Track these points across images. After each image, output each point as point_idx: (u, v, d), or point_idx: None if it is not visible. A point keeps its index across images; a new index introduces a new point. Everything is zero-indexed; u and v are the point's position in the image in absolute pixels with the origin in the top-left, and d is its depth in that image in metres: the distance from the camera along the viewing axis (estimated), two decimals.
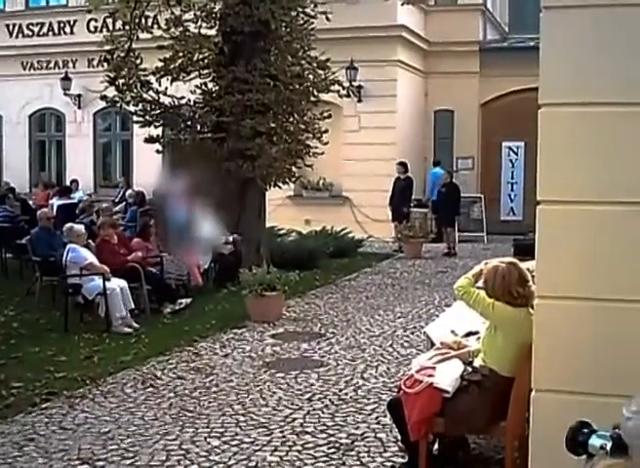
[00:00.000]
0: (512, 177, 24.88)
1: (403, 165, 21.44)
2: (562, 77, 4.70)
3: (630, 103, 4.54)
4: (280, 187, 16.69)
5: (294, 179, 17.14)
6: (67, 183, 24.31)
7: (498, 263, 6.07)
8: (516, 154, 24.61)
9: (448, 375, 5.95)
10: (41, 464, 6.60)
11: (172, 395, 8.52)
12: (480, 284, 6.14)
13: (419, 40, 25.00)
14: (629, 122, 4.58)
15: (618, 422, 3.00)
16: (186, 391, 8.66)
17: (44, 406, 8.13)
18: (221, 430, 7.40)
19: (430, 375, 5.96)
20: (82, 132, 27.31)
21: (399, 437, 6.62)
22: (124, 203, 20.36)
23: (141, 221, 15.01)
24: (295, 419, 7.70)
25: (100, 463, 6.61)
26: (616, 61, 4.57)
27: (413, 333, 11.40)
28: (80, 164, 26.66)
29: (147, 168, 23.12)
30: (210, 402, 8.27)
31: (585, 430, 3.14)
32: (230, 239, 14.93)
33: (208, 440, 7.14)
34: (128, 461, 6.65)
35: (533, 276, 5.62)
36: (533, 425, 4.99)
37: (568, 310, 4.78)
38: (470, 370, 6.03)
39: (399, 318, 12.60)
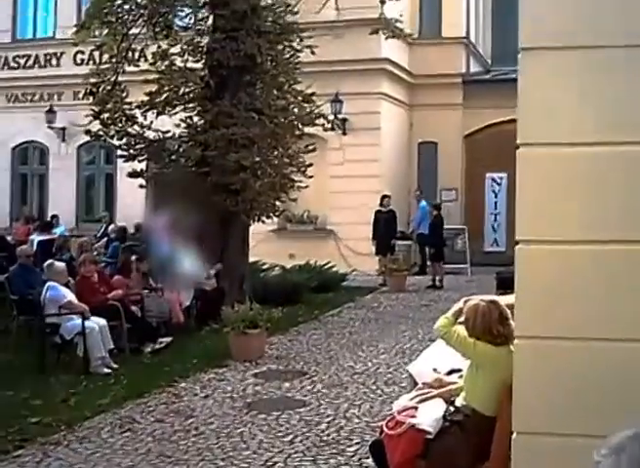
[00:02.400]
0: (496, 208, 24.90)
1: (387, 197, 21.40)
2: (539, 118, 4.70)
3: (607, 143, 4.57)
4: (264, 222, 16.58)
5: (277, 214, 17.04)
6: (49, 217, 24.13)
7: (478, 302, 6.01)
8: (499, 185, 24.63)
9: (430, 416, 5.88)
10: None
11: (150, 439, 8.34)
12: (461, 320, 6.05)
13: (403, 73, 25.12)
14: (606, 163, 4.61)
15: None
16: (165, 435, 8.48)
17: (16, 453, 7.91)
18: None
19: (412, 416, 5.90)
20: (65, 165, 27.12)
21: None
22: (106, 238, 20.19)
23: (122, 258, 14.84)
24: (275, 463, 7.56)
25: None
26: (593, 104, 4.60)
27: (396, 370, 11.27)
28: (63, 198, 26.48)
29: (131, 202, 23.12)
30: (189, 446, 8.11)
31: None
32: (212, 272, 14.80)
33: None
34: None
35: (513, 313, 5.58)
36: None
37: (547, 351, 4.76)
38: (452, 409, 5.97)
39: (382, 354, 12.47)
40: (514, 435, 4.85)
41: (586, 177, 4.61)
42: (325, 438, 8.31)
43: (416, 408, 5.98)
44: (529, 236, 4.72)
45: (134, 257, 14.36)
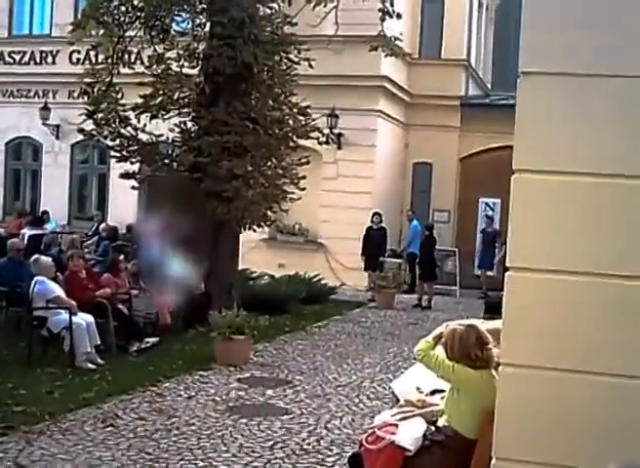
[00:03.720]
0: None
1: (378, 215, 21.46)
2: (536, 144, 4.64)
3: (603, 175, 4.51)
4: (254, 231, 16.60)
5: (269, 223, 17.07)
6: (40, 213, 24.13)
7: (456, 326, 6.03)
8: (492, 210, 24.63)
9: (410, 434, 5.87)
10: None
11: (131, 436, 8.38)
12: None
13: (401, 92, 25.10)
14: (602, 194, 4.54)
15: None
16: (147, 432, 8.51)
17: (0, 440, 7.96)
18: None
19: (393, 433, 5.88)
20: (59, 162, 27.15)
21: None
22: (97, 237, 20.20)
23: (112, 257, 14.85)
24: None
25: None
26: (592, 131, 4.54)
27: (380, 385, 11.31)
28: (55, 194, 26.49)
29: (123, 203, 23.13)
30: (169, 445, 8.14)
31: None
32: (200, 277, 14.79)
33: None
34: None
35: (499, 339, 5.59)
36: None
37: (531, 379, 4.71)
38: (433, 429, 5.96)
39: (367, 368, 12.50)
40: (493, 460, 4.83)
41: (581, 207, 4.57)
42: (305, 446, 8.35)
43: (396, 425, 5.98)
44: (520, 263, 4.67)
45: (122, 257, 14.38)
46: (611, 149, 4.51)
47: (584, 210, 4.58)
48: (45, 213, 23.62)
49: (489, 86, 29.01)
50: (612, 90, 4.53)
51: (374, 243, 21.09)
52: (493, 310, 15.67)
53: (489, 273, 23.04)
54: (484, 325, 6.14)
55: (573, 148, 4.57)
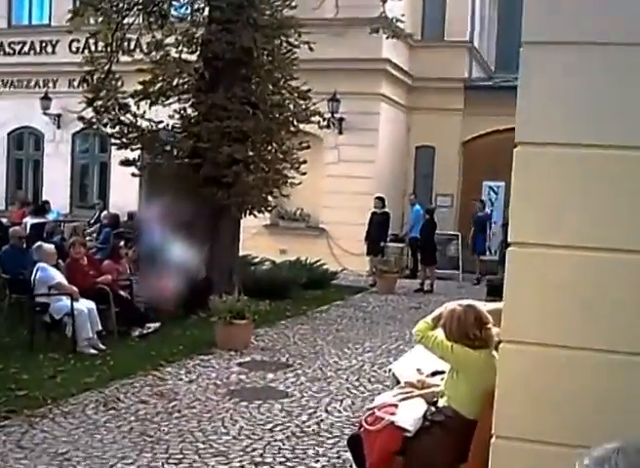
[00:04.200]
0: (491, 217, 24.82)
1: (381, 199, 21.43)
2: (541, 115, 4.55)
3: (609, 146, 4.43)
4: (255, 216, 16.61)
5: (269, 209, 17.07)
6: (41, 203, 24.15)
7: (455, 306, 6.00)
8: (496, 194, 24.52)
9: (410, 414, 5.87)
10: None
11: (133, 419, 8.45)
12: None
13: (403, 75, 24.93)
14: (607, 165, 4.47)
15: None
16: (148, 416, 8.58)
17: (3, 423, 8.05)
18: (180, 457, 7.34)
19: (392, 413, 5.87)
20: (60, 152, 27.18)
21: None
22: (98, 224, 20.26)
23: (113, 243, 14.90)
24: (255, 450, 7.65)
25: None
26: (598, 101, 4.48)
27: (380, 369, 11.31)
28: (57, 184, 26.52)
29: (124, 190, 23.15)
30: (170, 428, 8.20)
31: None
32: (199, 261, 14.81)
33: (165, 466, 7.10)
34: None
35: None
36: None
37: (532, 356, 4.66)
38: (433, 409, 5.96)
39: (368, 352, 12.54)
40: (493, 439, 4.81)
41: (585, 180, 4.48)
42: (305, 429, 8.39)
43: (396, 405, 5.98)
44: (521, 238, 4.60)
45: (123, 244, 14.44)
46: (617, 119, 4.43)
47: (588, 182, 4.49)
48: (46, 202, 23.61)
49: (492, 68, 28.75)
50: (617, 59, 4.44)
51: (376, 228, 21.11)
52: (495, 293, 15.69)
53: (492, 257, 23.01)
54: (485, 306, 6.14)
55: (576, 120, 4.49)
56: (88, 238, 17.09)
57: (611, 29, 4.44)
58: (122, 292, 12.78)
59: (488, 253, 23.65)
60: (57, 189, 26.17)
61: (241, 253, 17.10)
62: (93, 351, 11.27)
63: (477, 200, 23.65)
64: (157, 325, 12.85)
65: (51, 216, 21.37)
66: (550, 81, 4.56)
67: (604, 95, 4.47)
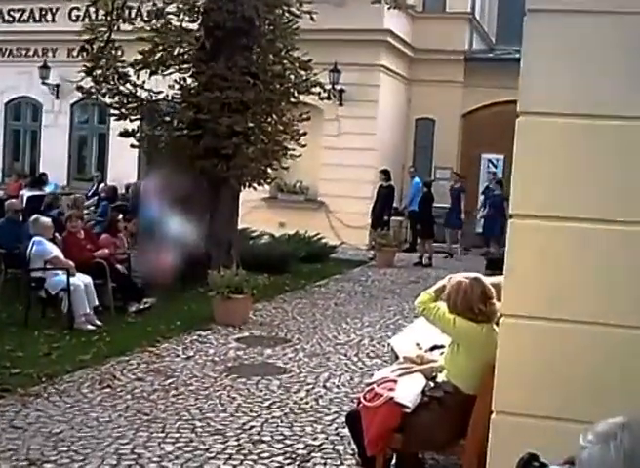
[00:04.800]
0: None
1: (386, 173, 21.36)
2: (544, 84, 4.51)
3: (614, 117, 4.38)
4: (255, 189, 16.49)
5: (269, 181, 16.95)
6: (38, 175, 24.00)
7: (461, 279, 5.94)
8: (495, 167, 24.42)
9: (409, 390, 5.83)
10: None
11: (129, 397, 8.36)
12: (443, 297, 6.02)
13: (404, 46, 24.77)
14: (610, 136, 4.42)
15: (569, 456, 2.90)
16: (144, 393, 8.50)
17: None
18: (176, 435, 7.27)
19: (391, 389, 5.84)
20: (59, 122, 27.00)
21: (357, 450, 6.48)
22: (96, 197, 20.13)
23: (110, 217, 14.77)
24: (252, 427, 7.58)
25: (49, 465, 6.46)
26: (602, 69, 4.41)
27: (379, 344, 11.27)
28: (55, 155, 26.35)
29: (123, 162, 23.01)
30: (167, 405, 8.12)
31: (536, 463, 3.03)
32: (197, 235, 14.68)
33: (162, 445, 7.01)
34: (77, 464, 6.49)
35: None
36: (491, 448, 4.85)
37: (533, 331, 4.63)
38: (433, 385, 5.93)
39: (367, 327, 12.47)
40: (493, 415, 4.79)
41: (586, 151, 4.45)
42: (303, 405, 8.33)
43: (395, 381, 5.94)
44: (522, 210, 4.57)
45: (121, 217, 14.32)
46: (622, 89, 4.38)
47: (590, 153, 4.46)
48: (43, 174, 23.44)
49: (493, 40, 28.62)
50: (621, 26, 4.38)
51: (380, 201, 21.08)
52: (494, 266, 15.63)
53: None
54: (488, 279, 6.07)
55: (580, 89, 4.45)
56: (85, 211, 16.94)
57: None
58: (119, 267, 12.65)
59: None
60: (54, 161, 26.01)
61: (240, 227, 16.98)
62: (89, 327, 11.18)
63: (453, 172, 23.54)
64: (154, 300, 12.76)
65: (48, 189, 21.20)
66: (554, 49, 4.51)
67: (608, 63, 4.42)
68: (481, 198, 23.32)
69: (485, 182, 23.65)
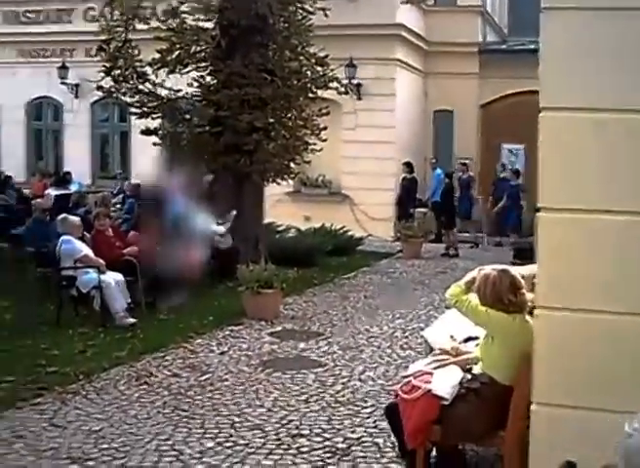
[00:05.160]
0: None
1: (408, 165, 21.42)
2: (564, 80, 4.54)
3: (636, 110, 4.38)
4: (278, 183, 16.51)
5: (292, 176, 16.97)
6: (62, 174, 24.08)
7: (489, 271, 5.93)
8: (515, 156, 24.36)
9: (446, 382, 5.82)
10: (30, 462, 6.46)
11: (166, 393, 8.38)
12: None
13: (418, 39, 24.84)
14: (633, 130, 4.42)
15: (607, 463, 2.88)
16: (181, 389, 8.51)
17: (35, 401, 7.99)
18: (215, 431, 7.27)
19: (428, 382, 5.83)
20: (79, 122, 27.05)
21: (397, 443, 6.47)
22: (122, 195, 20.16)
23: (137, 214, 14.78)
24: (290, 421, 7.56)
25: (91, 463, 6.47)
26: (618, 65, 4.44)
27: (412, 335, 11.23)
28: (77, 154, 26.42)
29: (145, 160, 22.99)
30: (204, 401, 8.13)
31: None
32: (226, 229, 14.66)
33: (201, 441, 7.00)
34: (119, 462, 6.50)
35: (533, 283, 5.52)
36: (532, 440, 4.85)
37: (570, 322, 4.64)
38: (469, 377, 5.91)
39: (398, 319, 12.44)
40: (533, 406, 4.79)
41: (611, 145, 4.46)
42: (340, 399, 8.30)
43: (432, 373, 5.92)
44: (551, 204, 4.59)
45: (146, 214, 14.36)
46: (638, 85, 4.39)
47: (616, 147, 4.47)
48: (67, 173, 23.54)
49: (506, 31, 28.63)
50: (636, 23, 4.40)
51: (405, 193, 21.08)
52: (522, 256, 15.60)
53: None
54: (517, 269, 6.06)
55: (601, 84, 4.46)
56: (112, 209, 16.96)
57: None
58: (149, 264, 12.61)
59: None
60: (77, 159, 26.09)
61: (265, 222, 16.98)
62: (131, 320, 11.21)
63: (460, 163, 23.35)
64: (185, 296, 12.74)
65: (73, 187, 21.27)
66: (572, 45, 4.54)
67: (627, 59, 4.40)
68: (491, 189, 23.15)
69: (500, 173, 23.39)
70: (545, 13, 4.54)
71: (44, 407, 7.83)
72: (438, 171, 22.59)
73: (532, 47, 24.74)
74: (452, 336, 6.67)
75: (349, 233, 20.00)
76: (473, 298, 5.92)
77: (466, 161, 23.47)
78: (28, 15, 27.50)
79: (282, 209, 21.48)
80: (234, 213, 14.98)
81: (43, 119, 28.46)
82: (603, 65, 4.44)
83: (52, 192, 18.70)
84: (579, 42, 4.49)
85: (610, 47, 4.43)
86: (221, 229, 14.70)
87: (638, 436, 2.71)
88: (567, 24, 4.51)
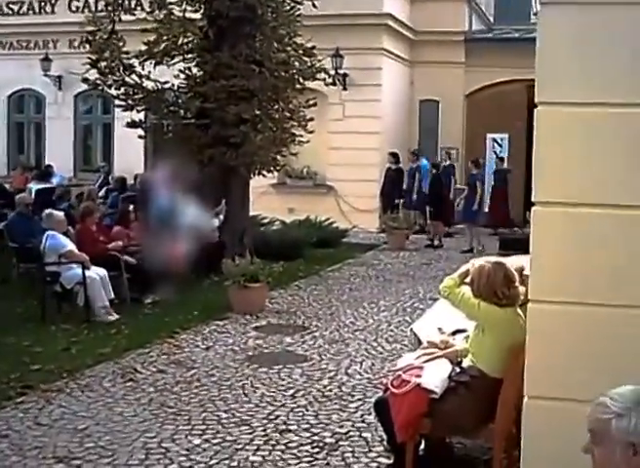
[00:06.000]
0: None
1: (394, 155, 21.38)
2: (561, 75, 4.52)
3: (631, 104, 4.38)
4: (264, 176, 16.45)
5: (278, 168, 16.94)
6: (44, 167, 23.91)
7: (484, 263, 5.95)
8: (500, 146, 24.35)
9: (436, 376, 5.83)
10: (15, 462, 6.40)
11: (152, 390, 8.32)
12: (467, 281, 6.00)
13: (404, 29, 24.78)
14: (630, 124, 4.42)
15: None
16: (167, 386, 8.46)
17: (19, 400, 7.91)
18: (203, 427, 7.23)
19: (417, 375, 5.83)
20: (62, 114, 26.89)
21: (385, 436, 6.51)
22: (105, 188, 20.05)
23: (121, 208, 14.71)
24: (278, 417, 7.54)
25: (77, 462, 6.42)
26: (616, 60, 4.41)
27: (397, 328, 11.25)
28: (60, 147, 26.23)
29: (129, 152, 22.94)
30: (191, 397, 8.08)
31: None
32: (216, 224, 14.63)
33: (189, 438, 6.97)
34: (105, 460, 6.45)
35: (523, 276, 5.52)
36: (525, 433, 4.83)
37: (563, 315, 4.64)
38: (458, 370, 5.93)
39: (383, 311, 12.43)
40: (525, 399, 4.78)
41: (607, 139, 4.45)
42: (327, 393, 8.28)
43: (421, 367, 5.91)
44: (546, 198, 4.57)
45: (132, 208, 14.27)
46: (635, 78, 4.37)
47: (612, 141, 4.45)
48: (49, 166, 23.37)
49: (492, 20, 28.63)
50: (634, 17, 4.37)
51: (390, 184, 21.05)
52: (507, 247, 15.61)
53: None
54: (509, 261, 6.06)
55: (597, 79, 4.44)
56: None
57: None
58: (133, 258, 12.56)
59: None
60: (60, 152, 25.90)
61: (250, 214, 16.92)
62: (111, 318, 11.16)
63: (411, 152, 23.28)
64: (170, 290, 12.68)
65: (55, 181, 21.13)
66: (569, 41, 4.52)
67: (624, 54, 4.42)
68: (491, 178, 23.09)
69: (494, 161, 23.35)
70: (542, 7, 4.53)
71: (28, 405, 7.75)
72: (424, 161, 22.53)
73: (517, 35, 24.98)
74: (439, 329, 6.67)
75: (334, 225, 19.98)
76: (466, 291, 5.93)
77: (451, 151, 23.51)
78: (10, 6, 27.24)
79: (266, 201, 21.37)
80: (224, 206, 14.94)
81: (25, 112, 28.27)
82: (600, 60, 4.44)
83: (33, 186, 18.58)
84: (575, 36, 4.48)
85: (607, 41, 4.43)
86: (215, 223, 14.66)
87: (631, 414, 2.83)
88: (565, 19, 4.50)
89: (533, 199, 4.63)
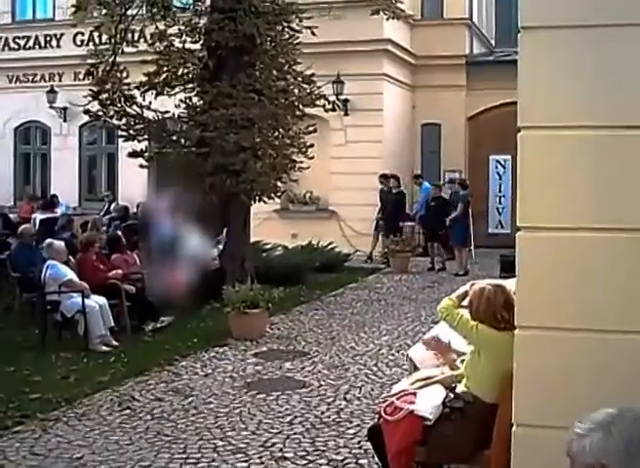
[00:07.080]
0: (500, 191, 24.63)
1: (396, 179, 21.37)
2: (540, 100, 4.53)
3: (614, 126, 4.39)
4: (265, 202, 16.51)
5: (279, 194, 16.99)
6: (49, 197, 24.04)
7: (484, 285, 5.92)
8: (504, 167, 24.41)
9: (429, 402, 5.77)
10: None
11: (149, 418, 8.34)
12: (465, 303, 5.99)
13: (405, 54, 24.90)
14: (612, 146, 4.42)
15: None
16: (164, 414, 8.47)
17: (16, 429, 7.92)
18: (198, 455, 7.23)
19: (411, 402, 5.78)
20: (67, 145, 27.06)
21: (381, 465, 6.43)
22: (108, 217, 20.13)
23: (110, 236, 14.70)
24: (274, 444, 7.53)
25: None
26: (597, 84, 4.43)
27: (398, 352, 11.22)
28: (65, 177, 26.42)
29: (133, 182, 23.04)
30: (188, 425, 8.09)
31: None
32: (216, 252, 14.73)
33: (183, 466, 6.96)
34: None
35: None
36: (514, 461, 4.80)
37: (549, 342, 4.60)
38: (452, 396, 5.85)
39: (384, 335, 12.42)
40: (514, 427, 4.74)
41: (590, 162, 4.44)
42: (325, 419, 8.27)
43: (415, 394, 5.88)
44: (530, 222, 4.56)
45: (121, 233, 14.34)
46: (622, 100, 4.38)
47: (593, 164, 4.45)
48: (54, 196, 23.53)
49: (493, 42, 28.76)
50: (616, 39, 4.39)
51: (392, 207, 21.08)
52: (509, 269, 15.55)
53: (503, 231, 22.73)
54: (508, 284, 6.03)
55: (578, 102, 4.45)
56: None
57: (608, 9, 4.38)
58: (127, 287, 12.58)
59: (500, 227, 23.36)
60: (65, 182, 26.05)
61: (252, 240, 16.99)
62: (105, 348, 11.19)
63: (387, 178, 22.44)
64: (170, 318, 12.74)
65: (60, 210, 21.25)
66: (549, 65, 4.53)
67: (604, 77, 4.43)
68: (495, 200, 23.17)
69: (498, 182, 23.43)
70: (523, 32, 4.55)
71: (24, 435, 7.77)
72: (426, 184, 22.58)
73: (517, 57, 24.76)
74: (437, 338, 6.59)
75: (337, 249, 20.05)
76: (465, 313, 5.91)
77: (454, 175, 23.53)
78: (17, 40, 27.55)
79: (269, 226, 21.39)
80: (225, 234, 15.01)
81: (31, 143, 28.49)
82: (580, 84, 4.44)
83: (38, 216, 18.70)
84: (556, 61, 4.49)
85: (587, 65, 4.43)
86: (215, 252, 14.73)
87: (594, 435, 2.85)
88: (544, 43, 4.51)
89: (518, 223, 4.63)
